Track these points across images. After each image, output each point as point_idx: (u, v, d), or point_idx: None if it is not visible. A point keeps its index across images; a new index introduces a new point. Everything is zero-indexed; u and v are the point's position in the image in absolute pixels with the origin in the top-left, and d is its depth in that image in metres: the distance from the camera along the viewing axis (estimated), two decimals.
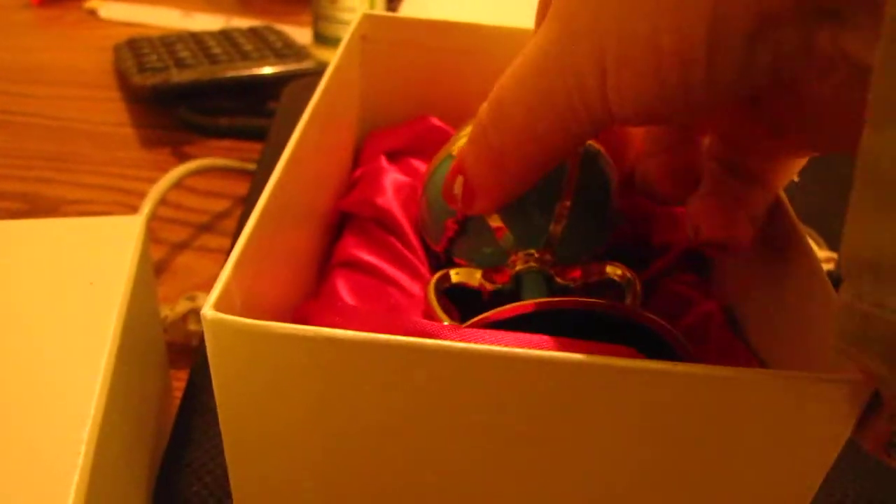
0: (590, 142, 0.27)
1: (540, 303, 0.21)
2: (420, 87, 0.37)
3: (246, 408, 0.17)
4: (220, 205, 0.48)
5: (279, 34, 0.65)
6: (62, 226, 0.28)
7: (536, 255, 0.25)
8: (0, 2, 0.79)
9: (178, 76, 0.56)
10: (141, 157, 0.53)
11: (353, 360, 0.16)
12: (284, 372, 0.16)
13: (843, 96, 0.16)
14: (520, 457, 0.18)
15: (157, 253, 0.43)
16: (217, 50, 0.61)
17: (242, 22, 0.76)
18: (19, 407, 0.20)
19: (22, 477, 0.19)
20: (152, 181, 0.42)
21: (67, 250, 0.26)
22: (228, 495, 0.21)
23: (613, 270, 0.25)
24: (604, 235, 0.26)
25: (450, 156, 0.27)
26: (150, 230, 0.44)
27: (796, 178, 0.24)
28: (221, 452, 0.19)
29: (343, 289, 0.28)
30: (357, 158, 0.36)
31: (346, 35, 0.33)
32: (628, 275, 0.24)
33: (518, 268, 0.25)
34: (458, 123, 0.36)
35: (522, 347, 0.16)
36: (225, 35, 0.65)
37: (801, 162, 0.22)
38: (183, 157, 0.52)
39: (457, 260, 0.27)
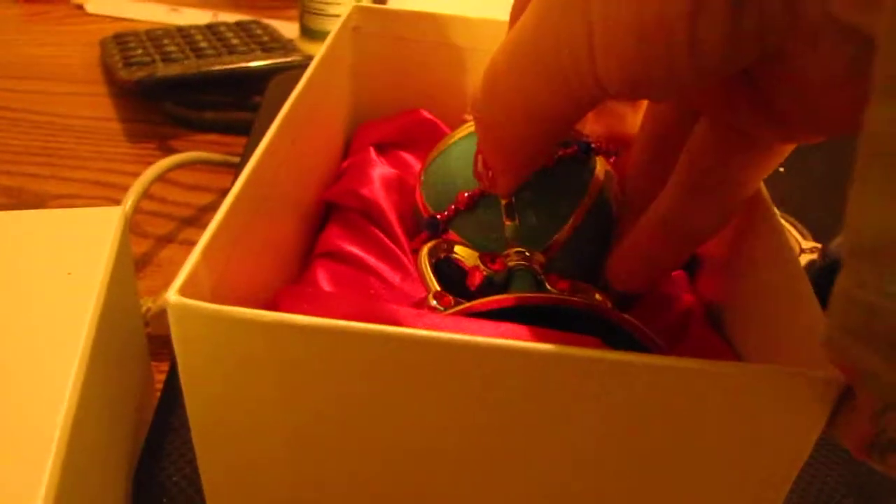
0: (609, 168, 0.28)
1: (521, 297, 0.22)
2: (412, 79, 0.37)
3: (211, 393, 0.17)
4: (204, 198, 0.48)
5: (266, 28, 0.65)
6: (41, 217, 0.28)
7: (529, 256, 0.25)
8: None
9: (164, 70, 0.56)
10: (127, 152, 0.53)
11: (314, 346, 0.16)
12: (248, 358, 0.16)
13: (836, 68, 0.15)
14: (486, 445, 0.18)
15: (141, 246, 0.43)
16: (203, 44, 0.61)
17: (230, 17, 0.75)
18: None
19: None
20: (138, 175, 0.42)
21: (45, 241, 0.26)
22: None
23: (598, 297, 0.25)
24: (599, 261, 0.27)
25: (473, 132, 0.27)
26: (134, 223, 0.44)
27: (781, 169, 0.24)
28: None
29: (323, 278, 0.28)
30: (348, 149, 0.36)
31: (335, 26, 0.33)
32: (609, 303, 0.24)
33: (511, 262, 0.25)
34: (449, 116, 0.36)
35: (486, 336, 0.16)
36: (211, 29, 0.65)
37: (780, 159, 0.22)
38: (169, 152, 0.52)
39: (452, 234, 0.27)
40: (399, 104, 0.37)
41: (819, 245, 0.40)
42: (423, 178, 0.29)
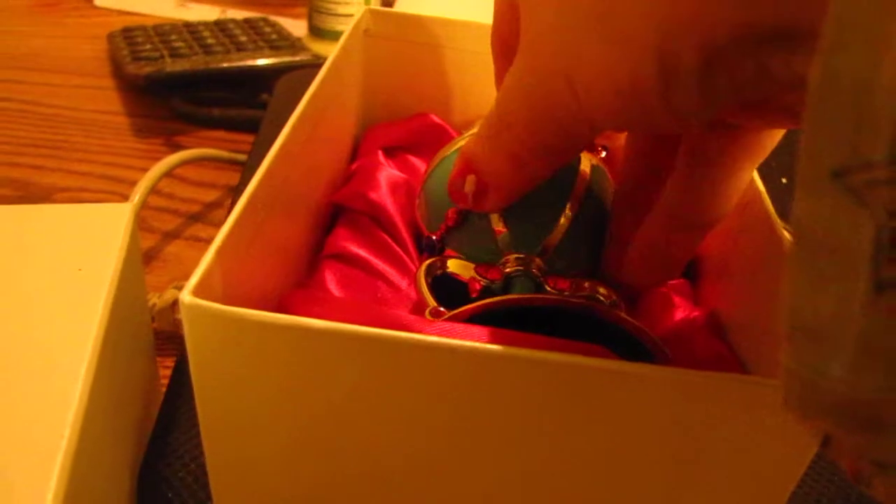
0: (596, 162, 0.28)
1: (521, 298, 0.22)
2: (421, 83, 0.37)
3: (221, 392, 0.17)
4: (211, 195, 0.48)
5: (274, 26, 0.65)
6: (51, 212, 0.28)
7: (527, 260, 0.25)
8: None
9: (172, 66, 0.56)
10: (133, 146, 0.53)
11: (325, 349, 0.16)
12: (259, 359, 0.17)
13: None
14: (487, 449, 0.18)
15: (148, 242, 0.43)
16: (211, 41, 0.61)
17: (238, 13, 0.75)
18: (2, 389, 0.21)
19: (4, 459, 0.19)
20: (144, 170, 0.42)
21: (56, 236, 0.26)
22: None
23: (602, 290, 0.25)
24: (597, 255, 0.27)
25: (459, 149, 0.27)
26: (141, 219, 0.45)
27: (784, 180, 0.24)
28: None
29: (331, 280, 0.28)
30: (356, 152, 0.36)
31: (347, 28, 0.33)
32: (614, 297, 0.25)
33: (509, 269, 0.25)
34: (459, 120, 0.36)
35: (495, 343, 0.17)
36: (220, 26, 0.65)
37: (765, 153, 0.23)
38: (175, 147, 0.52)
39: (449, 251, 0.27)
40: (408, 107, 0.37)
41: None
42: (418, 198, 0.30)
